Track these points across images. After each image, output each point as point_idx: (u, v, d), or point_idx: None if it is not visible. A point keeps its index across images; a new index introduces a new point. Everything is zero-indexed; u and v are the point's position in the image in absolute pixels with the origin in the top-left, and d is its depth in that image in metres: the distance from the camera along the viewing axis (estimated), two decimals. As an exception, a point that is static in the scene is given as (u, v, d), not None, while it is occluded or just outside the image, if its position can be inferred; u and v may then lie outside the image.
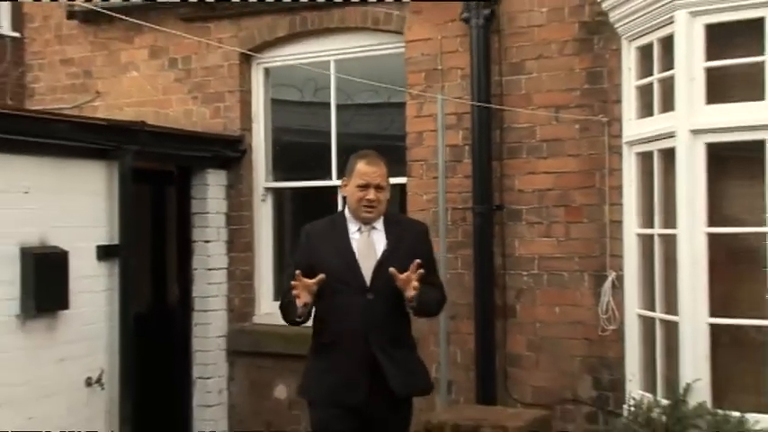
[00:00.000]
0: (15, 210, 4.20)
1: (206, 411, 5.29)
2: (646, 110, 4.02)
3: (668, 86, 3.75)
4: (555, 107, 4.47)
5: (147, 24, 5.16)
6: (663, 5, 3.70)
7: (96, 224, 4.65)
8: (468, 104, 4.59)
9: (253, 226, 5.43)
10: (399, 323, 3.14)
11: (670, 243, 3.75)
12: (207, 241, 5.39)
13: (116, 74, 5.86)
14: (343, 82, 5.17)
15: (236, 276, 5.43)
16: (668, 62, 3.74)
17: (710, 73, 3.59)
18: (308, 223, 3.31)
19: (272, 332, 5.14)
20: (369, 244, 3.13)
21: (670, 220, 3.75)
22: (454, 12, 4.68)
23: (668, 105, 3.76)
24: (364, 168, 3.10)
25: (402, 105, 4.93)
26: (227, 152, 5.38)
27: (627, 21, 4.03)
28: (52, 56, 6.12)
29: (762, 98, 3.46)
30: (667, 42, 3.75)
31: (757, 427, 3.28)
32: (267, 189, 5.50)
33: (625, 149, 4.17)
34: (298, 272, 2.93)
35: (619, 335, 4.17)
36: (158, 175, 5.43)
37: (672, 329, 3.72)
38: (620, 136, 4.22)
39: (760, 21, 3.45)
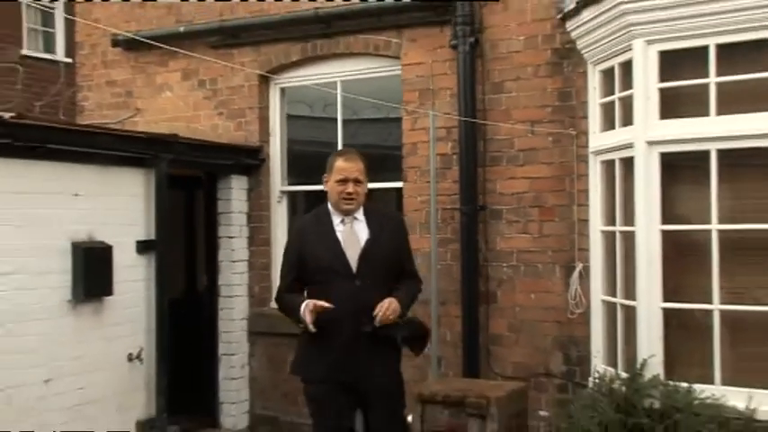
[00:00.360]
0: (68, 210, 4.23)
1: (231, 383, 5.29)
2: (608, 124, 4.04)
3: (627, 104, 3.79)
4: (530, 122, 4.48)
5: (180, 51, 5.20)
6: (622, 35, 3.74)
7: (136, 222, 4.68)
8: (455, 119, 4.61)
9: (270, 224, 5.43)
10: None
11: (629, 239, 3.77)
12: (231, 237, 5.40)
13: (153, 93, 5.87)
14: (348, 100, 5.18)
15: (255, 267, 5.42)
16: (627, 83, 3.77)
17: (664, 92, 3.62)
18: (299, 218, 3.26)
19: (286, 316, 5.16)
20: (352, 234, 3.03)
21: (629, 219, 3.77)
22: (444, 40, 4.71)
23: (627, 120, 3.79)
24: (342, 165, 3.01)
25: (399, 120, 4.94)
26: (248, 160, 5.40)
27: (592, 48, 4.07)
28: (99, 78, 6.13)
29: (707, 114, 3.49)
30: (626, 66, 3.77)
31: (702, 396, 3.29)
32: (283, 192, 5.50)
33: (591, 158, 4.18)
34: (314, 302, 2.86)
35: (585, 317, 4.19)
36: (189, 180, 5.47)
37: (631, 313, 3.75)
38: (586, 146, 4.22)
39: (705, 48, 3.48)
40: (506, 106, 4.56)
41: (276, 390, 5.15)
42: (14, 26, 8.28)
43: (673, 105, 3.61)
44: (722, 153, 3.45)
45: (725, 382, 3.41)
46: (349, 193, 2.97)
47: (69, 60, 7.34)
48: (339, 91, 5.19)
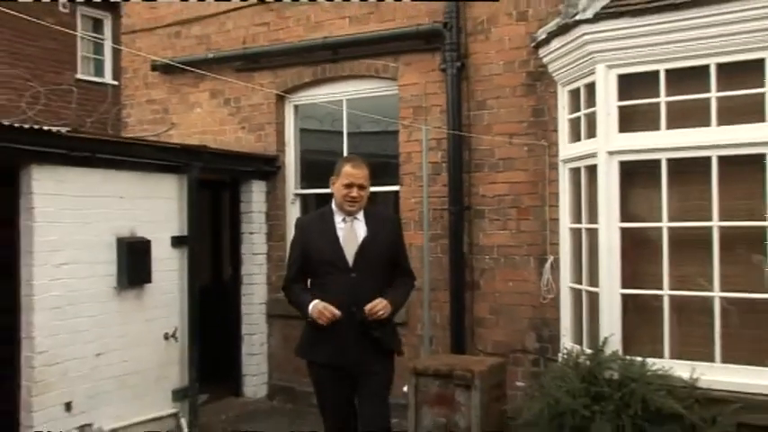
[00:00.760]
0: (114, 210, 4.26)
1: (251, 358, 5.33)
2: (575, 137, 4.05)
3: (591, 119, 3.80)
4: (509, 134, 4.47)
5: (209, 74, 5.23)
6: (586, 61, 3.76)
7: (170, 220, 4.67)
8: (445, 132, 4.62)
9: (285, 222, 5.41)
10: (378, 297, 2.87)
11: (593, 235, 3.79)
12: (251, 233, 5.39)
13: (186, 110, 5.87)
14: (352, 115, 5.17)
15: (273, 259, 5.42)
16: (591, 102, 3.79)
17: (622, 110, 3.63)
18: (300, 217, 3.21)
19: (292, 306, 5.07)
20: (351, 232, 2.93)
21: (593, 218, 3.78)
22: (435, 64, 4.72)
23: (591, 133, 3.80)
24: (350, 170, 2.92)
25: (396, 133, 4.93)
26: (267, 167, 5.41)
27: (560, 71, 4.09)
28: (140, 97, 6.14)
29: (658, 129, 3.52)
30: (590, 87, 3.79)
31: (654, 368, 3.32)
32: (296, 194, 5.48)
33: (560, 166, 4.19)
34: (334, 311, 2.77)
35: (555, 302, 4.21)
36: (216, 184, 5.47)
37: (594, 298, 3.76)
38: (556, 156, 4.23)
39: (656, 72, 3.52)
40: (488, 121, 4.57)
41: (290, 364, 5.14)
42: (71, 54, 8.33)
43: (630, 121, 3.62)
44: (671, 162, 3.48)
45: (672, 356, 3.44)
46: (353, 197, 2.90)
47: (116, 83, 7.36)
48: (344, 108, 5.20)
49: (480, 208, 4.58)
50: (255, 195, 5.40)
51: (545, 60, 4.18)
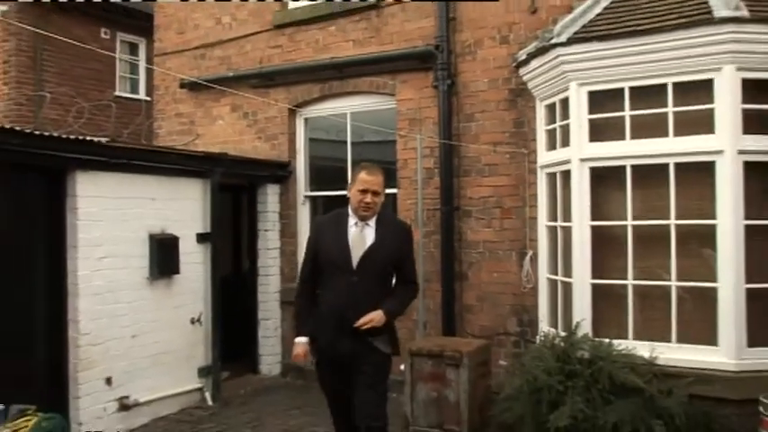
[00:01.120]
0: (146, 210, 4.27)
1: (267, 340, 5.33)
2: (551, 145, 4.06)
3: (565, 130, 3.81)
4: (493, 143, 4.48)
5: (230, 90, 5.25)
6: (561, 79, 3.78)
7: (195, 219, 4.68)
8: (437, 141, 4.62)
9: (296, 221, 5.41)
10: (378, 300, 2.69)
11: (567, 232, 3.81)
12: (266, 230, 5.38)
13: (209, 123, 5.87)
14: (355, 127, 5.16)
15: (285, 253, 5.42)
16: (565, 115, 3.80)
17: (592, 122, 3.65)
18: (319, 216, 2.98)
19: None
20: (361, 237, 2.73)
21: (567, 217, 3.80)
22: (428, 81, 4.72)
23: (565, 143, 3.82)
24: (365, 177, 2.73)
25: (394, 142, 4.92)
26: (280, 172, 5.39)
27: (538, 88, 4.11)
28: (170, 111, 6.13)
29: (624, 139, 3.54)
30: (564, 102, 3.80)
31: (619, 348, 3.34)
32: (306, 196, 5.46)
33: (539, 171, 4.19)
34: (300, 360, 2.72)
35: (534, 291, 4.20)
36: (235, 187, 5.47)
37: (568, 287, 3.78)
38: (535, 162, 4.23)
39: (621, 90, 3.55)
40: (475, 132, 4.56)
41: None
42: (111, 74, 8.36)
43: (599, 132, 3.63)
44: (635, 168, 3.50)
45: (635, 338, 3.46)
46: (367, 203, 2.70)
47: (149, 99, 7.36)
48: (349, 120, 5.18)
49: (468, 208, 4.58)
50: (270, 197, 5.41)
51: (525, 78, 4.20)
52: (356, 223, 2.76)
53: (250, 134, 5.62)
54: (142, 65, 8.67)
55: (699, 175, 3.37)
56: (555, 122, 3.97)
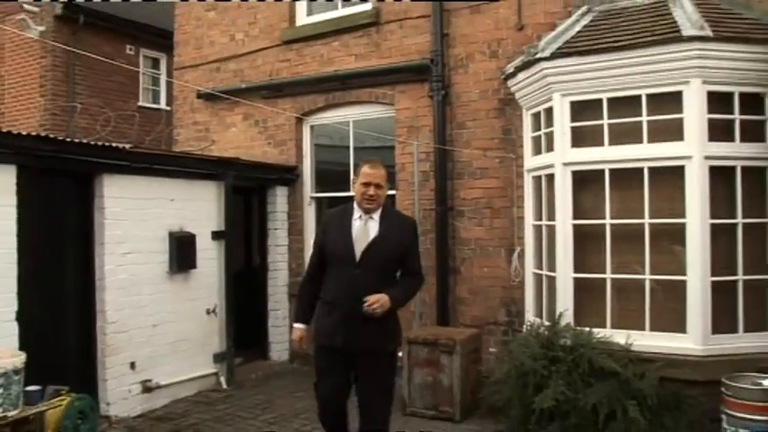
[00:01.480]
0: (166, 210, 4.29)
1: (276, 330, 5.32)
2: (537, 151, 4.08)
3: (549, 137, 3.84)
4: (484, 149, 4.49)
5: (242, 101, 5.29)
6: (545, 90, 3.81)
7: (211, 218, 4.68)
8: (432, 147, 4.63)
9: (303, 220, 5.40)
10: (380, 293, 2.50)
11: (551, 230, 3.83)
12: (276, 229, 5.38)
13: (223, 130, 5.87)
14: (357, 133, 5.15)
15: (293, 250, 5.40)
16: (549, 123, 3.83)
17: (574, 129, 3.68)
18: (328, 210, 2.79)
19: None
20: (364, 230, 2.59)
21: (551, 216, 3.82)
22: (424, 92, 4.73)
23: (550, 148, 3.84)
24: (367, 170, 2.62)
25: (393, 148, 4.91)
26: (288, 175, 5.40)
27: (525, 98, 4.13)
28: (187, 120, 6.13)
29: (602, 145, 3.57)
30: (549, 111, 3.83)
31: (598, 336, 3.38)
32: (312, 197, 5.45)
33: (525, 174, 4.22)
34: (298, 345, 2.62)
35: (521, 284, 4.22)
36: (247, 189, 5.43)
37: (552, 281, 3.80)
38: (522, 166, 4.25)
39: (600, 100, 3.59)
40: (467, 138, 4.57)
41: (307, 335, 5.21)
42: (134, 86, 8.43)
43: (580, 138, 3.67)
44: (612, 171, 3.53)
45: (613, 326, 3.49)
46: (370, 195, 2.58)
47: (168, 108, 7.41)
48: (351, 127, 5.18)
49: (461, 208, 4.59)
50: (279, 198, 5.41)
51: (512, 90, 4.23)
52: (360, 217, 2.62)
53: (260, 140, 5.63)
54: (163, 78, 8.73)
55: (670, 178, 3.42)
56: (540, 130, 4.00)
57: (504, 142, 4.43)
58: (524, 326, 4.02)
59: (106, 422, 3.69)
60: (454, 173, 4.64)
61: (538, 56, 3.76)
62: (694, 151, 3.35)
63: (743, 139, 3.41)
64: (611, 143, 3.56)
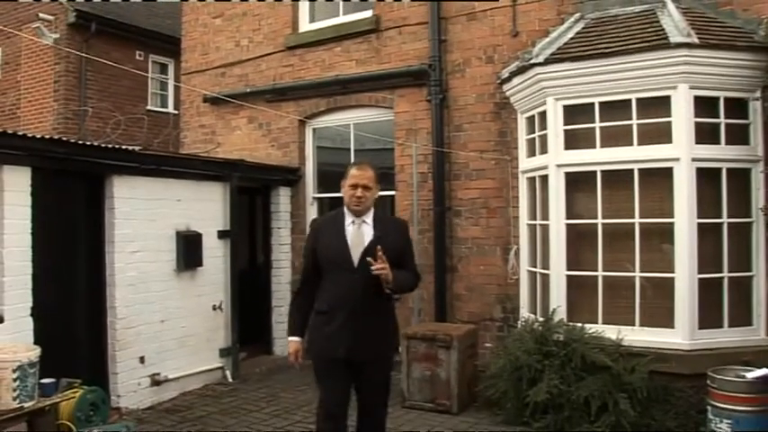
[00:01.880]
0: (173, 210, 4.30)
1: (279, 325, 5.26)
2: (531, 153, 4.10)
3: (543, 140, 3.87)
4: (480, 151, 4.50)
5: (246, 104, 5.32)
6: (539, 94, 3.84)
7: (216, 218, 4.68)
8: (430, 149, 4.65)
9: (305, 219, 5.36)
10: (380, 297, 2.41)
11: (545, 229, 3.85)
12: (279, 228, 5.38)
13: (228, 133, 5.88)
14: (358, 136, 5.17)
15: (295, 249, 5.35)
16: (543, 126, 3.86)
17: (567, 132, 3.71)
18: (315, 218, 2.57)
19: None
20: (359, 234, 2.46)
21: (545, 216, 3.85)
22: (422, 96, 4.76)
23: (543, 150, 3.87)
24: (355, 172, 2.50)
25: (392, 150, 4.93)
26: (291, 177, 5.41)
27: (520, 102, 4.17)
28: (194, 123, 6.14)
29: (594, 147, 3.61)
30: (543, 115, 3.86)
31: (590, 331, 3.42)
32: (314, 198, 5.46)
33: (520, 175, 4.24)
34: (293, 360, 2.46)
35: (517, 281, 4.23)
36: (251, 189, 5.42)
37: (546, 278, 3.83)
38: (517, 168, 4.27)
39: (592, 104, 3.63)
40: (464, 140, 4.59)
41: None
42: (143, 91, 8.49)
43: (573, 141, 3.69)
44: (604, 173, 3.57)
45: (604, 322, 3.52)
46: (358, 197, 2.45)
47: (176, 112, 7.41)
48: (352, 130, 5.20)
49: (458, 208, 4.61)
50: (282, 199, 5.41)
51: (508, 94, 4.27)
52: (353, 221, 2.49)
53: (264, 143, 5.65)
54: (171, 82, 8.75)
55: (659, 179, 3.46)
56: (534, 132, 4.02)
57: (500, 144, 4.45)
58: (519, 322, 4.03)
59: (117, 414, 3.72)
60: (451, 174, 4.66)
61: (532, 61, 3.81)
62: (682, 153, 3.38)
63: (728, 142, 3.45)
64: (602, 145, 3.59)
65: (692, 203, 3.35)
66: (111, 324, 3.85)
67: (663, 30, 3.45)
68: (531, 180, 4.12)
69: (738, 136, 3.47)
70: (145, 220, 4.07)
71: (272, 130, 5.64)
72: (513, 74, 4.07)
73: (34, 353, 2.85)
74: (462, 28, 4.64)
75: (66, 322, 3.71)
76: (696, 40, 3.31)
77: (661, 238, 3.49)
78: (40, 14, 7.56)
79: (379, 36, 5.01)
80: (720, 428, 2.85)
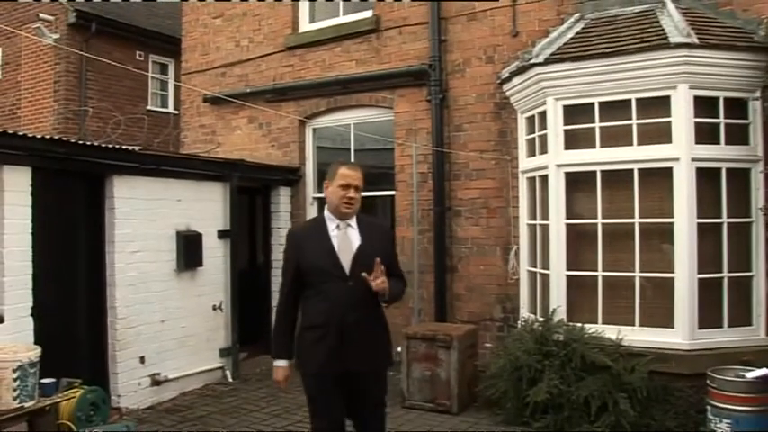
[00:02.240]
0: (173, 210, 4.30)
1: None
2: (531, 153, 4.10)
3: (543, 140, 3.87)
4: (480, 151, 4.50)
5: (247, 104, 5.31)
6: (539, 94, 3.84)
7: (216, 218, 4.67)
8: (430, 149, 4.66)
9: (306, 219, 5.23)
10: (375, 305, 2.28)
11: (545, 229, 3.85)
12: (279, 228, 5.35)
13: (228, 133, 5.89)
14: (358, 136, 5.16)
15: None
16: (543, 126, 3.86)
17: (567, 132, 3.71)
18: (292, 227, 2.25)
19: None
20: (346, 239, 2.27)
21: (545, 216, 3.85)
22: (422, 96, 4.77)
23: (543, 150, 3.87)
24: (346, 172, 2.29)
25: (392, 150, 4.93)
26: (291, 177, 5.40)
27: (520, 102, 4.17)
28: (194, 123, 6.15)
29: (594, 147, 3.61)
30: (542, 115, 3.86)
31: (590, 331, 3.42)
32: (314, 198, 5.45)
33: (520, 175, 4.24)
34: (287, 384, 2.23)
35: (517, 281, 4.23)
36: (251, 189, 5.43)
37: (546, 278, 3.83)
38: (517, 168, 4.27)
39: (592, 104, 3.62)
40: (464, 140, 4.59)
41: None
42: (143, 91, 8.51)
43: (573, 141, 3.69)
44: (604, 173, 3.57)
45: (604, 322, 3.52)
46: (350, 198, 2.26)
47: (176, 112, 7.44)
48: (352, 130, 5.20)
49: (458, 208, 4.61)
50: (282, 198, 5.41)
51: (508, 94, 4.27)
52: (338, 226, 2.29)
53: (265, 143, 5.65)
54: (171, 82, 8.77)
55: (659, 179, 3.46)
56: (534, 132, 4.02)
57: (500, 144, 4.46)
58: (519, 322, 4.03)
59: (117, 414, 3.72)
60: (451, 174, 4.67)
61: (532, 61, 3.80)
62: (682, 154, 3.38)
63: (728, 142, 3.45)
64: (602, 145, 3.59)
65: (691, 203, 3.36)
66: (111, 324, 3.86)
67: (663, 30, 3.45)
68: (531, 180, 4.11)
69: (738, 136, 3.47)
70: (145, 220, 4.06)
71: (272, 130, 5.64)
72: (513, 74, 4.07)
73: (34, 353, 2.85)
74: (462, 28, 4.65)
75: (67, 322, 3.71)
76: (696, 41, 3.31)
77: (661, 238, 3.49)
78: (41, 14, 7.57)
79: (379, 36, 5.02)
80: (720, 428, 2.85)
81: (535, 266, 4.04)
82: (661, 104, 3.43)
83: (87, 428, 3.05)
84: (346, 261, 2.24)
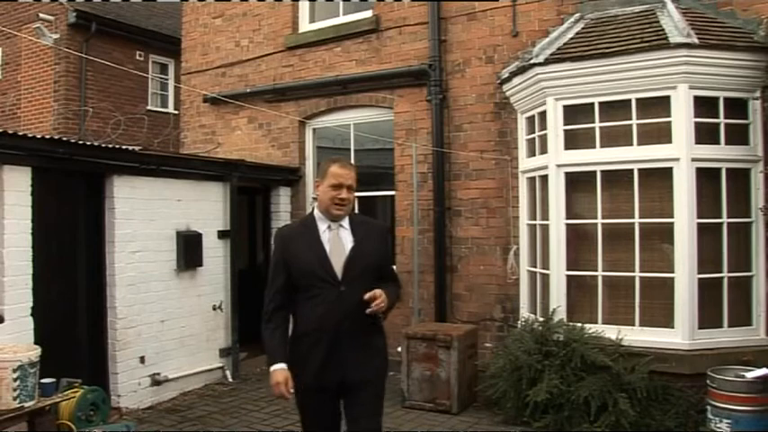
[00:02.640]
0: (174, 210, 4.31)
1: None
2: (531, 153, 4.11)
3: (543, 140, 3.87)
4: (480, 151, 4.50)
5: (247, 105, 5.33)
6: (539, 94, 3.85)
7: (216, 218, 4.68)
8: (430, 149, 4.66)
9: None
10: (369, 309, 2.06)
11: (545, 229, 3.85)
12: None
13: (228, 133, 5.90)
14: (358, 136, 5.16)
15: None
16: (543, 126, 3.86)
17: (567, 132, 3.71)
18: (281, 228, 2.25)
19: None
20: (338, 241, 2.11)
21: (545, 216, 3.85)
22: (422, 96, 4.77)
23: (543, 150, 3.88)
24: (338, 171, 2.11)
25: (392, 150, 4.93)
26: (291, 176, 5.40)
27: (520, 102, 4.17)
28: (194, 123, 6.16)
29: (594, 147, 3.61)
30: (543, 115, 3.86)
31: (590, 331, 3.42)
32: (314, 198, 5.19)
33: (520, 175, 4.24)
34: (284, 393, 2.01)
35: (517, 281, 4.25)
36: (252, 189, 5.45)
37: (545, 278, 3.83)
38: (517, 168, 4.28)
39: (592, 104, 3.63)
40: (464, 140, 4.59)
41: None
42: (143, 91, 8.53)
43: (573, 141, 3.70)
44: (604, 173, 3.57)
45: (604, 322, 3.53)
46: (342, 199, 2.09)
47: (176, 112, 7.47)
48: (352, 130, 5.20)
49: (458, 208, 4.62)
50: (282, 198, 5.41)
51: (508, 94, 4.27)
52: (329, 227, 2.13)
53: (265, 143, 5.65)
54: (171, 82, 8.78)
55: (659, 179, 3.46)
56: (534, 132, 4.02)
57: (500, 144, 4.46)
58: (519, 322, 4.02)
59: (117, 413, 3.72)
60: (451, 174, 4.67)
61: (532, 61, 3.80)
62: (682, 153, 3.38)
63: (728, 142, 3.45)
64: (602, 145, 3.59)
65: (691, 203, 3.36)
66: (111, 324, 3.87)
67: (663, 30, 3.45)
68: (531, 180, 4.11)
69: (738, 136, 3.47)
70: (145, 219, 4.07)
71: (272, 131, 5.64)
72: (513, 74, 4.07)
73: (34, 353, 2.85)
74: (462, 28, 4.65)
75: (67, 322, 3.71)
76: (696, 41, 3.31)
77: (661, 237, 3.49)
78: (40, 15, 7.57)
79: (379, 36, 5.02)
80: (720, 428, 2.85)
81: (535, 266, 4.04)
82: (661, 104, 3.43)
83: (87, 428, 3.05)
84: (338, 265, 2.08)
